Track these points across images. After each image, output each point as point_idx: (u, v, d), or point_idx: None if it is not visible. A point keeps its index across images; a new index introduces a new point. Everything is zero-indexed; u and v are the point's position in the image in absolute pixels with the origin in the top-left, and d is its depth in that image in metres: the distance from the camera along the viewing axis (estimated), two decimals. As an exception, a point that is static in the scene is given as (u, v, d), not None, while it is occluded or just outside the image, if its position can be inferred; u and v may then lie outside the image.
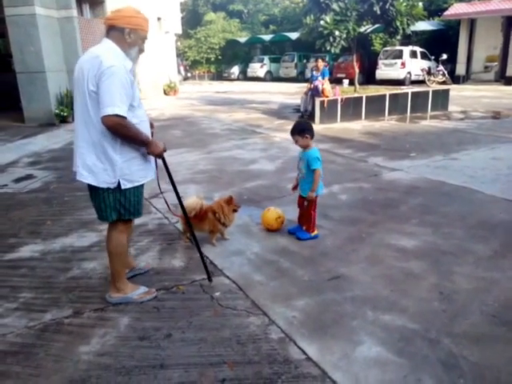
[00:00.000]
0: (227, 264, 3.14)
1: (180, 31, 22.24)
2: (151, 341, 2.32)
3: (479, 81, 20.69)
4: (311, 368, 2.08)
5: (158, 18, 17.71)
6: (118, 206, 2.45)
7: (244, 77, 30.82)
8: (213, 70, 34.24)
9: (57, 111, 9.78)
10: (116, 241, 2.57)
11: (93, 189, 2.43)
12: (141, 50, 2.46)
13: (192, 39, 32.97)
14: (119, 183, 2.37)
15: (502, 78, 19.94)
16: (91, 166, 2.34)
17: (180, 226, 3.74)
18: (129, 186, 2.41)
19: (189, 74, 33.03)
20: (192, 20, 35.72)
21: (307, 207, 3.58)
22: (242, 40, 32.10)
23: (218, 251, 3.36)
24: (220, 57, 33.11)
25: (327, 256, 3.26)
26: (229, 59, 32.98)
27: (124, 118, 2.23)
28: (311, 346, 2.22)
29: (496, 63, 20.53)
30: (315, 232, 3.60)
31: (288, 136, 8.07)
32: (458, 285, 2.78)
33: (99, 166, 2.34)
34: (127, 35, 2.35)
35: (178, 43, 30.92)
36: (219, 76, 33.16)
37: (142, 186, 2.53)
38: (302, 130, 3.47)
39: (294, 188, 3.75)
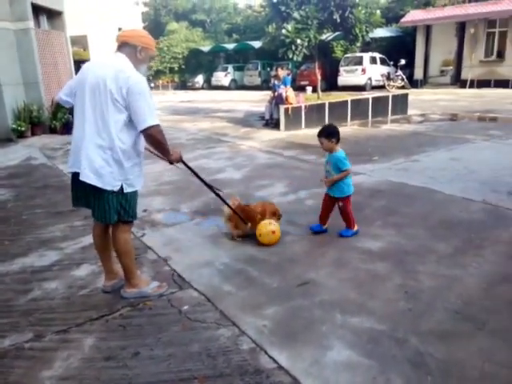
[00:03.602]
0: (195, 276, 3.09)
1: (142, 41, 21.95)
2: (118, 360, 2.24)
3: (436, 84, 21.54)
4: (282, 376, 2.07)
5: (119, 29, 17.48)
6: (119, 208, 2.61)
7: (209, 86, 30.82)
8: (177, 79, 34.06)
9: (14, 126, 9.43)
10: (122, 240, 2.73)
11: (97, 191, 2.54)
12: (147, 67, 2.77)
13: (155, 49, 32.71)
14: (122, 187, 2.56)
15: (457, 82, 20.86)
16: (98, 168, 2.48)
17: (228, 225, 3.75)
18: (129, 189, 2.61)
19: (152, 84, 32.66)
20: (154, 30, 35.44)
21: (343, 207, 3.65)
22: (206, 49, 32.13)
23: (186, 263, 3.30)
24: (184, 66, 32.99)
25: (295, 262, 3.28)
26: (193, 68, 32.91)
27: (159, 125, 2.51)
28: (282, 354, 2.21)
29: (451, 67, 21.46)
30: (356, 228, 3.69)
31: (255, 144, 8.22)
32: (422, 283, 2.85)
33: (107, 169, 2.49)
34: (139, 52, 2.61)
35: (141, 53, 30.55)
36: (183, 85, 33.00)
37: (137, 191, 2.73)
38: (330, 133, 3.55)
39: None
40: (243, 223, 3.65)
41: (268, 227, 3.58)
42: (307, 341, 2.33)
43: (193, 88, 31.34)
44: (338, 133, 3.57)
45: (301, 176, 5.77)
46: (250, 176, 5.87)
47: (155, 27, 36.23)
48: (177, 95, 25.96)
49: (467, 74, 20.09)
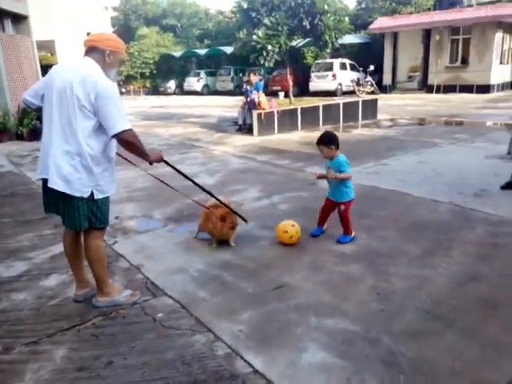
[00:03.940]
0: (169, 283, 3.06)
1: (112, 46, 21.66)
2: (90, 371, 2.19)
3: (404, 90, 22.15)
4: (258, 380, 2.07)
5: (88, 33, 17.18)
6: (90, 214, 2.57)
7: (181, 91, 30.64)
8: (148, 84, 33.69)
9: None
10: (94, 247, 2.68)
11: (66, 197, 2.49)
12: (117, 72, 2.70)
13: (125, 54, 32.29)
14: (92, 193, 2.51)
15: (424, 87, 21.52)
16: (66, 174, 2.44)
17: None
18: (101, 195, 2.57)
19: (123, 90, 32.18)
20: (124, 34, 34.92)
21: (344, 212, 3.65)
22: (177, 54, 31.95)
23: (160, 270, 3.26)
24: (155, 71, 32.68)
25: (270, 266, 3.29)
26: (164, 73, 32.65)
27: (132, 130, 2.47)
28: (258, 358, 2.22)
29: (418, 73, 22.14)
30: (353, 233, 3.70)
31: (228, 149, 8.23)
32: (394, 285, 2.92)
33: (75, 175, 2.45)
34: (107, 56, 2.57)
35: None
36: (155, 91, 32.68)
37: (109, 197, 2.69)
38: (328, 141, 3.56)
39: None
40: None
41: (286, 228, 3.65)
42: (282, 344, 2.34)
43: (165, 93, 31.08)
44: (336, 139, 3.58)
45: (274, 181, 5.81)
46: (224, 181, 5.87)
47: (125, 32, 35.76)
48: (148, 100, 25.68)
49: (433, 79, 20.77)
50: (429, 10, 24.05)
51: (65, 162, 2.43)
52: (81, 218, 2.54)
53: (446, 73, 20.56)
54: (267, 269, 3.25)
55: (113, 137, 2.45)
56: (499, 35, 19.27)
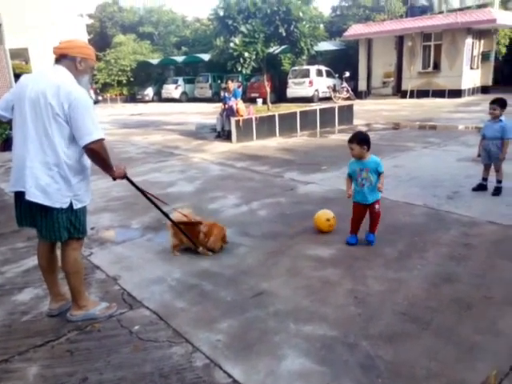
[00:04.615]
0: (147, 294, 3.01)
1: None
2: (65, 388, 2.13)
3: (379, 95, 22.57)
4: (238, 391, 2.05)
5: (62, 41, 16.87)
6: (69, 225, 2.54)
7: (159, 98, 30.42)
8: (125, 92, 33.31)
9: None
10: (72, 258, 2.64)
11: (44, 209, 2.45)
12: (89, 78, 2.69)
13: (101, 61, 31.91)
14: (71, 203, 2.49)
15: (399, 92, 21.98)
16: (45, 186, 2.40)
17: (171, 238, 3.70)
18: (79, 205, 2.54)
19: (100, 98, 31.75)
20: (100, 42, 34.63)
21: (378, 209, 3.69)
22: (155, 61, 31.76)
23: (137, 281, 3.21)
24: (132, 79, 32.35)
25: (249, 273, 3.28)
26: (142, 81, 32.38)
27: (103, 140, 2.44)
28: (237, 368, 2.20)
29: (392, 79, 22.60)
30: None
31: (207, 156, 8.20)
32: (371, 288, 2.95)
33: (54, 186, 2.42)
34: (79, 64, 2.54)
35: (87, 66, 29.68)
36: (133, 98, 32.33)
37: (86, 206, 2.66)
38: (362, 140, 3.54)
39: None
40: (187, 239, 3.61)
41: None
42: (262, 352, 2.33)
43: (142, 101, 30.80)
44: (369, 140, 3.59)
45: (253, 187, 5.82)
46: (203, 188, 5.84)
47: (101, 39, 35.40)
48: (126, 108, 25.40)
49: (407, 84, 21.24)
50: (401, 17, 24.62)
51: (43, 173, 2.39)
52: (60, 229, 2.50)
53: (419, 78, 21.06)
54: (246, 276, 3.24)
55: (84, 147, 2.40)
56: (469, 41, 19.86)
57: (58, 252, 2.72)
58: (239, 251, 3.71)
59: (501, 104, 4.79)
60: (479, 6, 20.70)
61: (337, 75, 22.55)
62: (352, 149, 3.59)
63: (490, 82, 22.11)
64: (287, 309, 2.75)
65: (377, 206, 3.69)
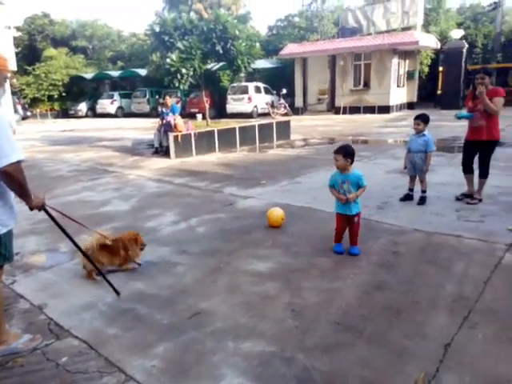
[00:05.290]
0: (75, 322, 2.83)
1: (15, 67, 20.23)
2: (-22, 434, 1.92)
3: (315, 111, 23.47)
4: (173, 417, 1.97)
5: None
6: None
7: (93, 113, 29.37)
8: (57, 107, 31.77)
9: None
10: None
11: None
12: (2, 90, 2.48)
13: (30, 76, 30.25)
14: None
15: (333, 108, 23.00)
16: None
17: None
18: (4, 230, 2.38)
19: (28, 113, 29.99)
20: (29, 56, 32.91)
21: (358, 221, 3.76)
22: (89, 76, 30.70)
23: (65, 309, 3.01)
24: (64, 93, 30.97)
25: (187, 293, 3.21)
26: (75, 96, 31.11)
27: (21, 163, 2.27)
28: (172, 393, 2.12)
29: (326, 96, 23.60)
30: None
31: (144, 172, 8.00)
32: (308, 299, 3.00)
33: None
34: None
35: (14, 80, 28.01)
36: (65, 114, 30.91)
37: (12, 229, 2.49)
38: (348, 153, 3.64)
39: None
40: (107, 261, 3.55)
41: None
42: (199, 374, 2.27)
43: (76, 116, 29.55)
44: (354, 154, 3.71)
45: (192, 203, 5.74)
46: (139, 206, 5.66)
47: (30, 53, 33.65)
48: (57, 124, 24.19)
49: (340, 101, 22.31)
50: (333, 37, 25.93)
51: None
52: None
53: (351, 95, 22.21)
54: (184, 296, 3.16)
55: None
56: (395, 61, 21.32)
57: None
58: (177, 270, 3.62)
59: (424, 119, 5.17)
60: (404, 29, 22.32)
61: (274, 92, 23.17)
62: (337, 160, 3.69)
63: (415, 99, 23.83)
64: (226, 327, 2.71)
65: (356, 219, 3.79)
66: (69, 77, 30.77)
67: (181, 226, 4.82)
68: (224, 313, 2.89)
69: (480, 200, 5.10)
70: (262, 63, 23.83)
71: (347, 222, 3.82)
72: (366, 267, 3.49)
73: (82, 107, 29.91)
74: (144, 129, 17.43)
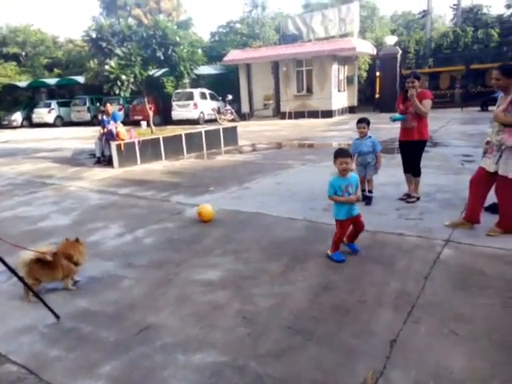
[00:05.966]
0: (13, 346, 2.63)
1: None
2: None
3: (261, 117, 23.73)
4: None
5: None
6: None
7: (29, 123, 27.76)
8: (-12, 118, 29.75)
9: None
10: None
11: None
12: None
13: None
14: None
15: (278, 113, 23.37)
16: None
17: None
18: None
19: (-45, 125, 27.86)
20: (-48, 63, 30.60)
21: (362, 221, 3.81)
22: (23, 84, 29.02)
23: (1, 333, 2.79)
24: (-4, 103, 29.09)
25: (134, 308, 3.09)
26: (8, 105, 29.26)
27: None
28: (120, 415, 2.02)
29: (272, 101, 23.96)
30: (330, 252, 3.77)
31: (85, 184, 7.67)
32: (259, 306, 2.99)
33: None
34: None
35: None
36: (-2, 124, 29.02)
37: None
38: (343, 152, 3.71)
39: None
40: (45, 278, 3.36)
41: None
42: (148, 392, 2.18)
43: (10, 127, 27.76)
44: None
45: (138, 214, 5.57)
46: (81, 220, 5.40)
47: (-47, 60, 31.29)
48: (-11, 135, 22.62)
49: (285, 107, 22.73)
50: (275, 44, 26.41)
51: None
52: None
53: (295, 100, 22.71)
54: (130, 311, 3.04)
55: None
56: (335, 67, 22.07)
57: None
58: (123, 285, 3.48)
59: (368, 122, 5.40)
60: (341, 36, 23.19)
61: (220, 98, 23.16)
62: (346, 163, 3.70)
63: (355, 103, 24.80)
64: (175, 340, 2.63)
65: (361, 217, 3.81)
66: (0, 86, 28.92)
67: (126, 238, 4.65)
68: (173, 325, 2.81)
69: (418, 198, 5.37)
70: (207, 69, 23.77)
71: (351, 225, 3.83)
72: (314, 269, 3.54)
73: (17, 117, 28.20)
74: (85, 138, 16.72)
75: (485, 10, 25.80)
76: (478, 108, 19.95)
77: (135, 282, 3.53)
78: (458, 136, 11.31)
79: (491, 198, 4.26)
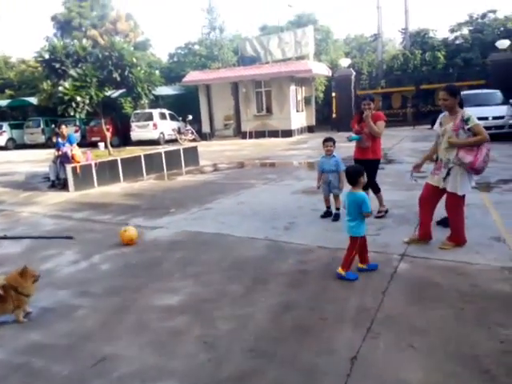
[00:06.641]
0: (-47, 389, 2.44)
1: None
2: None
3: (222, 136, 23.80)
4: None
5: None
6: None
7: (-21, 147, 26.46)
8: None
9: None
10: None
11: None
12: None
13: None
14: None
15: (239, 133, 23.54)
16: None
17: None
18: None
19: None
20: None
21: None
22: (-29, 106, 27.76)
23: None
24: None
25: (90, 338, 2.95)
26: (-45, 128, 27.78)
27: None
28: None
29: (232, 121, 24.14)
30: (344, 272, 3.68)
31: (38, 209, 7.36)
32: (220, 329, 2.94)
33: None
34: None
35: None
36: None
37: None
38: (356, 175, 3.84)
39: None
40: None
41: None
42: (103, 429, 2.07)
43: (-44, 151, 26.34)
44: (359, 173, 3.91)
45: (94, 239, 5.38)
46: (33, 247, 5.15)
47: None
48: None
49: (246, 126, 22.96)
50: (234, 65, 26.80)
51: None
52: None
53: (256, 120, 23.00)
54: (86, 342, 2.90)
55: None
56: (293, 88, 22.62)
57: None
58: (77, 314, 3.33)
59: (334, 142, 5.56)
60: (298, 58, 23.88)
61: (180, 118, 23.08)
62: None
63: (313, 122, 25.41)
64: (133, 370, 2.53)
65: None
66: None
67: (81, 264, 4.47)
68: (131, 355, 2.70)
69: (386, 211, 5.52)
70: (166, 90, 23.69)
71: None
72: (275, 289, 3.53)
73: (-36, 141, 26.79)
74: (38, 161, 16.09)
75: (431, 34, 27.36)
76: (429, 126, 20.95)
77: (91, 310, 3.38)
78: (410, 153, 11.81)
79: (443, 211, 4.44)
